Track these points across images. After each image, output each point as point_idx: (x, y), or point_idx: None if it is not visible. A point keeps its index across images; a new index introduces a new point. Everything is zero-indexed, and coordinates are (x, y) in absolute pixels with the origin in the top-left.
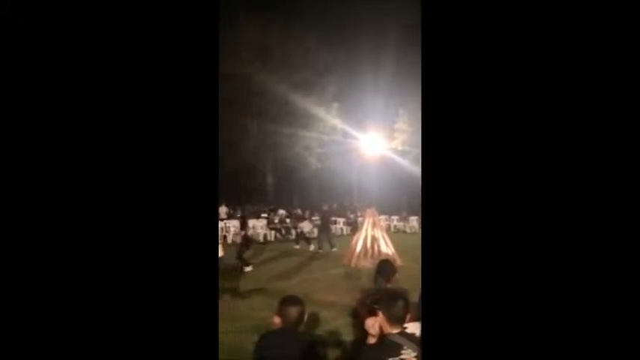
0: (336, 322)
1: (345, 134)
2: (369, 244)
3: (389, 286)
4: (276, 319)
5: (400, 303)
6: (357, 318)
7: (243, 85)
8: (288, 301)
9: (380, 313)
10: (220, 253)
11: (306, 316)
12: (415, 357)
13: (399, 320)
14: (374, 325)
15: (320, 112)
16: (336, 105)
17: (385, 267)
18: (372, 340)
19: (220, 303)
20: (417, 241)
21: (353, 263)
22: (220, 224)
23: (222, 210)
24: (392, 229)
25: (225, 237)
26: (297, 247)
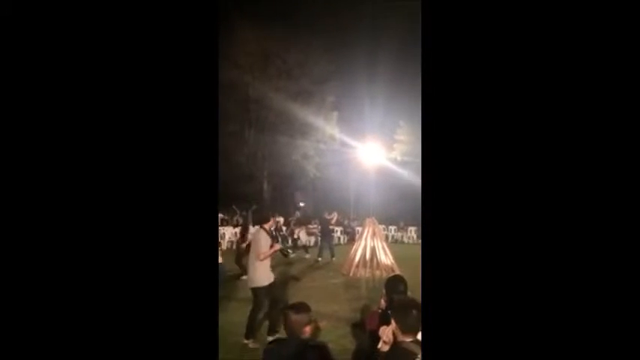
0: (337, 332)
1: (344, 143)
2: (368, 254)
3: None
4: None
5: (414, 312)
6: (364, 326)
7: (241, 92)
8: (295, 308)
9: (393, 321)
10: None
11: (313, 324)
12: None
13: (412, 329)
14: (387, 332)
15: (319, 120)
16: (335, 114)
17: (396, 285)
18: (384, 348)
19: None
20: (415, 251)
21: (351, 273)
22: None
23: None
24: (390, 239)
25: (219, 243)
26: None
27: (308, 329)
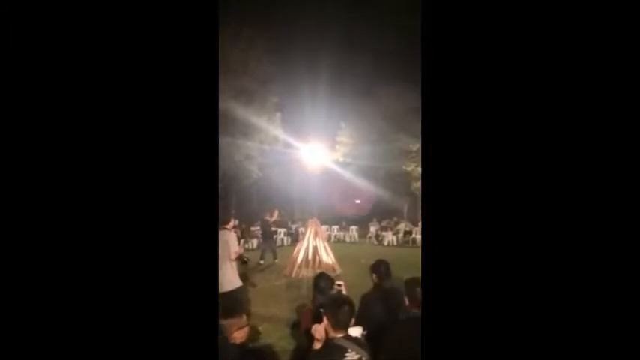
0: (277, 334)
1: (287, 145)
2: (310, 254)
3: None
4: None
5: (345, 308)
6: (299, 325)
7: None
8: (226, 312)
9: (325, 319)
10: None
11: (247, 327)
12: (359, 359)
13: (343, 325)
14: (320, 330)
15: (262, 121)
16: (278, 115)
17: (323, 281)
18: (317, 345)
19: None
20: (356, 250)
21: (294, 273)
22: None
23: None
24: (333, 239)
25: None
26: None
27: (240, 334)
